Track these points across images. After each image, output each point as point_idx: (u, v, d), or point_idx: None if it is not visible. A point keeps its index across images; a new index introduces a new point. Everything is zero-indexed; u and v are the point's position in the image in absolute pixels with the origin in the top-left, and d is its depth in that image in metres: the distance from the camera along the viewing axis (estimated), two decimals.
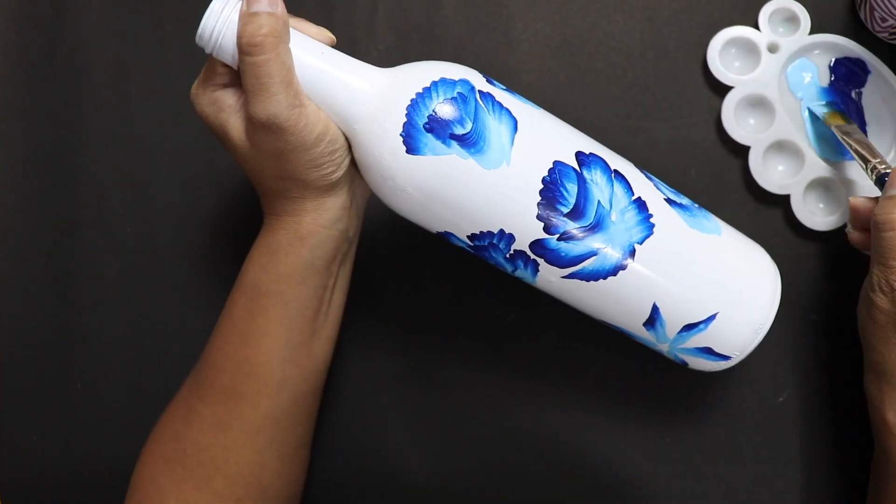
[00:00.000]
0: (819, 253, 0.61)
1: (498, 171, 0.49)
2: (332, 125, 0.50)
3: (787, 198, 0.61)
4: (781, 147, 0.61)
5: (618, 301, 0.52)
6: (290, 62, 0.48)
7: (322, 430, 0.61)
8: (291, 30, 0.49)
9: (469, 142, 0.48)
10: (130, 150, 0.65)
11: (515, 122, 0.50)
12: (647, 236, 0.50)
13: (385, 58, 0.64)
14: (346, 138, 0.51)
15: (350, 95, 0.50)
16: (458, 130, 0.48)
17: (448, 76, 0.50)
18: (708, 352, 0.52)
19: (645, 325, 0.52)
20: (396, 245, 0.63)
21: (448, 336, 0.62)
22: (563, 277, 0.51)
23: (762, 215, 0.62)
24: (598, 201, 0.50)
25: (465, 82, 0.50)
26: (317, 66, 0.49)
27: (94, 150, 0.65)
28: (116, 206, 0.65)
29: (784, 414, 0.61)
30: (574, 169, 0.50)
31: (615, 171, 0.51)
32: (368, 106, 0.49)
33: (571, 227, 0.49)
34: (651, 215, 0.51)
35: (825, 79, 0.62)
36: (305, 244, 0.52)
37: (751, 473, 0.61)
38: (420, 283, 0.63)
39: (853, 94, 0.61)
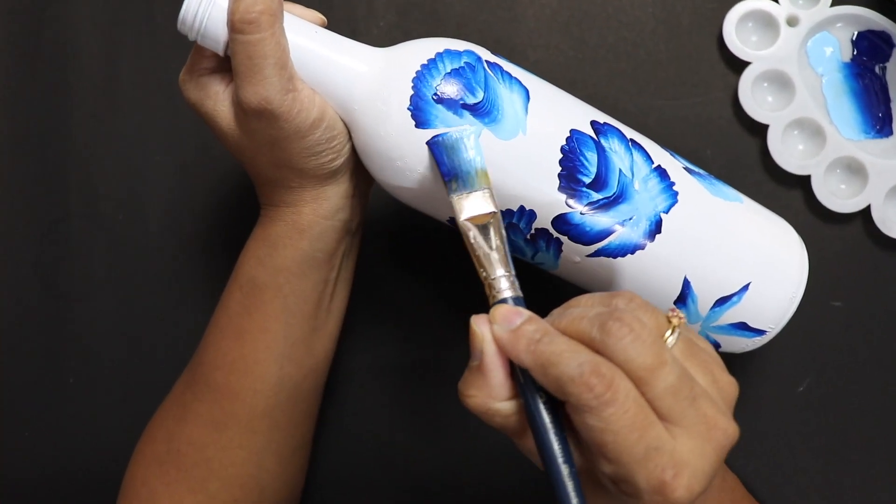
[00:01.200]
0: (841, 236, 0.59)
1: (514, 140, 0.46)
2: (330, 110, 0.47)
3: (807, 178, 0.58)
4: (801, 125, 0.58)
5: (647, 278, 0.49)
6: (285, 43, 0.46)
7: (322, 427, 0.59)
8: (286, 14, 0.47)
9: (482, 111, 0.46)
10: (121, 137, 0.63)
11: (527, 91, 0.48)
12: (673, 204, 0.48)
13: (385, 36, 0.62)
14: (346, 124, 0.48)
15: (347, 77, 0.47)
16: (470, 99, 0.46)
17: (453, 47, 0.47)
18: (742, 327, 0.50)
19: (676, 302, 0.50)
20: (401, 237, 0.61)
21: (454, 330, 0.60)
22: (589, 256, 0.48)
23: (781, 197, 0.59)
24: (620, 170, 0.48)
25: (470, 53, 0.48)
26: (311, 48, 0.47)
27: (84, 138, 0.63)
28: (107, 195, 0.63)
29: (804, 403, 0.59)
30: (592, 137, 0.48)
31: (631, 139, 0.49)
32: (368, 85, 0.47)
33: (595, 197, 0.47)
34: (673, 183, 0.49)
35: (847, 53, 0.59)
36: (305, 236, 0.49)
37: (770, 464, 0.59)
38: (426, 277, 0.61)
39: (877, 70, 0.58)
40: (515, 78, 0.48)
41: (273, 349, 0.50)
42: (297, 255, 0.50)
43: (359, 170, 0.51)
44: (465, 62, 0.47)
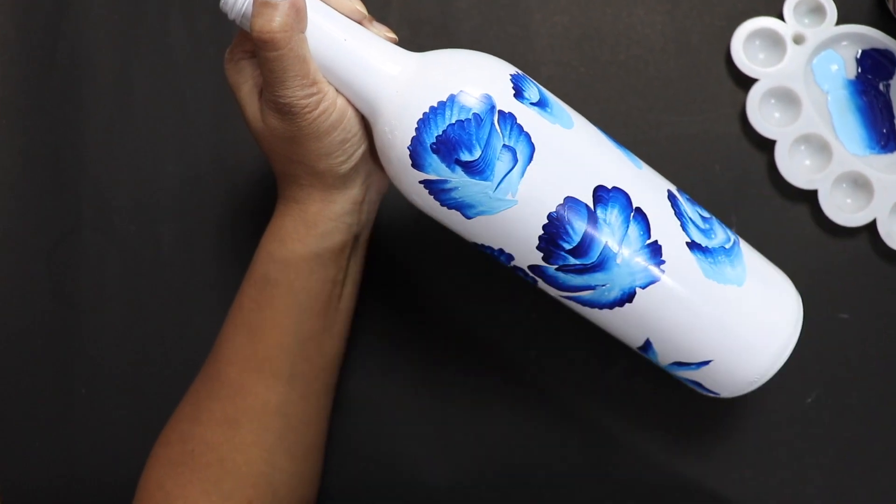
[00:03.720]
0: (848, 250, 0.60)
1: (502, 198, 0.47)
2: (349, 113, 0.49)
3: (814, 193, 0.59)
4: (808, 141, 0.60)
5: (614, 327, 0.51)
6: (306, 52, 0.47)
7: (334, 433, 0.59)
8: (318, 2, 0.47)
9: (475, 170, 0.46)
10: (133, 147, 0.63)
11: (533, 149, 0.46)
12: (652, 282, 0.48)
13: None
14: (364, 124, 0.50)
15: (374, 82, 0.48)
16: (465, 157, 0.46)
17: (469, 90, 0.46)
18: (697, 385, 0.52)
19: (638, 349, 0.51)
20: (413, 242, 0.61)
21: (467, 336, 0.61)
22: (561, 296, 0.50)
23: (789, 211, 0.60)
24: (606, 243, 0.47)
25: (486, 100, 0.46)
26: (341, 48, 0.48)
27: (96, 148, 0.63)
28: (119, 204, 0.63)
29: (813, 415, 0.60)
30: (587, 206, 0.47)
31: (637, 208, 0.48)
32: (389, 98, 0.47)
33: (571, 262, 0.48)
34: (664, 262, 0.48)
35: (852, 71, 0.60)
36: (311, 232, 0.51)
37: (778, 477, 0.59)
38: (438, 281, 0.61)
39: (881, 87, 0.60)
40: (526, 133, 0.46)
41: (285, 345, 0.51)
42: (305, 250, 0.51)
43: (373, 179, 0.52)
44: (475, 113, 0.46)
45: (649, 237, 0.48)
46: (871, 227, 0.59)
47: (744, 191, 0.60)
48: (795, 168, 0.59)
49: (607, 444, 0.60)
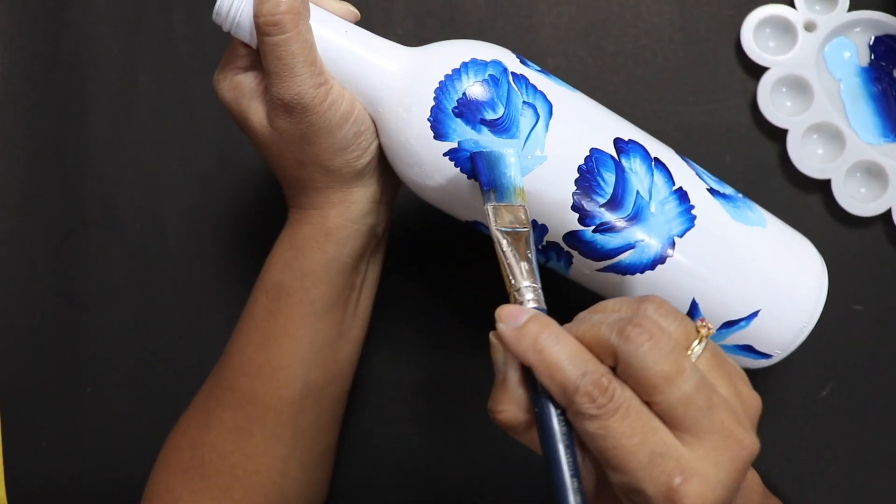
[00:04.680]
0: (862, 240, 0.59)
1: (531, 157, 0.46)
2: (358, 105, 0.47)
3: (826, 182, 0.58)
4: (820, 129, 0.58)
5: (658, 292, 0.49)
6: (312, 39, 0.46)
7: (344, 436, 0.58)
8: (312, 4, 0.47)
9: (501, 127, 0.46)
10: (139, 146, 0.63)
11: (551, 106, 0.47)
12: (688, 228, 0.48)
13: (403, 43, 0.61)
14: (374, 121, 0.48)
15: (376, 76, 0.47)
16: (490, 115, 0.46)
17: (479, 56, 0.47)
18: (748, 349, 0.50)
19: None
20: (424, 240, 0.61)
21: (479, 339, 0.60)
22: (598, 270, 0.48)
23: (801, 201, 0.59)
24: (637, 191, 0.47)
25: (497, 63, 0.47)
26: (341, 45, 0.47)
27: (101, 147, 0.63)
28: (124, 204, 0.62)
29: (827, 409, 0.59)
30: (612, 157, 0.47)
31: (655, 158, 0.48)
32: (395, 88, 0.47)
33: (609, 217, 0.47)
34: (693, 206, 0.48)
35: (865, 58, 0.59)
36: (331, 239, 0.49)
37: (792, 470, 0.59)
38: (448, 279, 0.60)
39: (895, 74, 0.59)
40: (541, 91, 0.47)
41: (298, 354, 0.50)
42: (324, 258, 0.49)
43: (385, 175, 0.50)
44: (490, 74, 0.46)
45: (674, 184, 0.48)
46: (886, 217, 0.58)
47: (755, 181, 0.59)
48: (808, 157, 0.58)
49: None
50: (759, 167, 0.59)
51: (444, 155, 0.46)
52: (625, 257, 0.48)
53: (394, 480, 0.60)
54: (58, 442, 0.61)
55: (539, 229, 0.48)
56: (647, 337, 0.36)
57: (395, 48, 0.48)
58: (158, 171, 0.62)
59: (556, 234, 0.47)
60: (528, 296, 0.40)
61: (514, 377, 0.38)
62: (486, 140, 0.45)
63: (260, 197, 0.62)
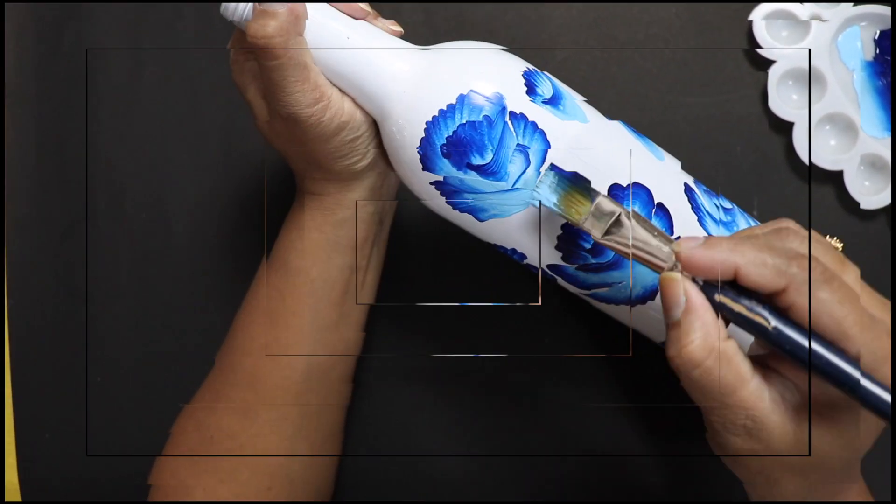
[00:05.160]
0: (873, 232, 0.58)
1: (519, 198, 0.45)
2: (357, 114, 0.47)
3: (838, 174, 0.58)
4: (833, 121, 0.58)
5: (636, 320, 0.50)
6: (307, 59, 0.45)
7: (350, 424, 0.58)
8: (323, 4, 0.46)
9: (488, 172, 0.45)
10: (144, 137, 0.63)
11: (547, 148, 0.45)
12: None
13: (412, 36, 0.61)
14: (375, 121, 0.48)
15: (375, 89, 0.46)
16: (477, 161, 0.44)
17: (479, 90, 0.44)
18: None
19: (662, 343, 0.51)
20: (429, 230, 0.60)
21: (484, 324, 0.60)
22: (581, 293, 0.49)
23: (812, 192, 0.58)
24: None
25: (496, 101, 0.44)
26: (339, 55, 0.46)
27: (107, 137, 0.63)
28: (130, 195, 0.62)
29: None
30: None
31: (658, 204, 0.47)
32: (393, 104, 0.46)
33: (591, 261, 0.46)
34: None
35: (870, 52, 0.58)
36: (328, 220, 0.50)
37: None
38: (454, 270, 0.60)
39: None
40: (541, 130, 0.45)
41: (302, 334, 0.51)
42: (322, 238, 0.50)
43: (388, 164, 0.50)
44: (485, 115, 0.44)
45: (671, 234, 0.47)
46: (889, 210, 0.58)
47: (766, 173, 0.59)
48: (819, 149, 0.58)
49: (621, 433, 0.59)
50: (768, 159, 0.59)
51: (431, 184, 0.46)
52: (604, 291, 0.48)
53: (398, 470, 0.60)
54: (67, 432, 0.61)
55: (518, 255, 0.48)
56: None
57: (396, 57, 0.46)
58: (164, 163, 0.62)
59: (537, 262, 0.48)
60: (665, 250, 0.40)
61: (698, 300, 0.37)
62: (471, 180, 0.45)
63: (264, 190, 0.62)
